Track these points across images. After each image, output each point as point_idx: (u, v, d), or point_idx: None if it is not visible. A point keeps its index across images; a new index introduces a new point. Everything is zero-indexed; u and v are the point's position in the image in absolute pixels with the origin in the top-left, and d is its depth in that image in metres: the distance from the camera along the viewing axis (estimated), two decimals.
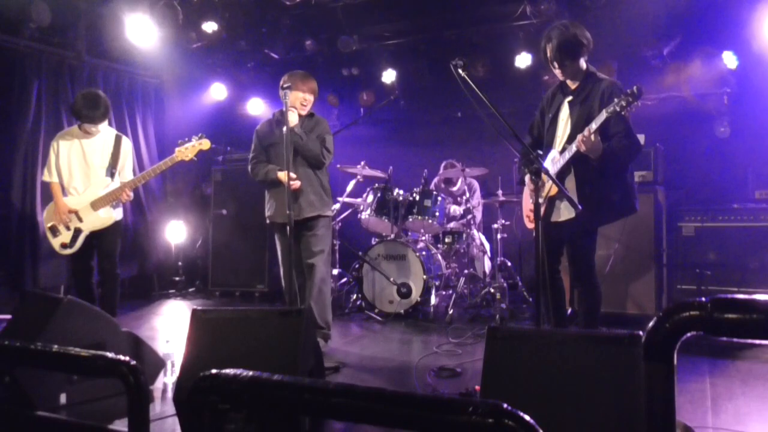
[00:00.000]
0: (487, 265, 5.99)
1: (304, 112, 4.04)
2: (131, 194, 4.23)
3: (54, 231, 4.18)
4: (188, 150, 4.24)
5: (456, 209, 6.02)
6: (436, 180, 6.32)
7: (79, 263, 4.27)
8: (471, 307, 5.38)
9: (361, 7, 6.11)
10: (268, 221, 4.14)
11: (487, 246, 6.10)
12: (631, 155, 3.19)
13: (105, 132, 4.31)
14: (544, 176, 2.85)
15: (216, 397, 1.05)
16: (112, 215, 4.24)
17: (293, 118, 3.87)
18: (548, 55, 3.27)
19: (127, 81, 6.61)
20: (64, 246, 4.16)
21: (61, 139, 4.24)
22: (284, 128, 3.69)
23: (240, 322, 2.47)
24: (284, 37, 6.70)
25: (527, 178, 3.39)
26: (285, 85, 3.77)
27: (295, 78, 3.95)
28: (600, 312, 3.34)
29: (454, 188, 6.32)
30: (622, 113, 2.90)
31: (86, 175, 4.21)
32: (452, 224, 5.88)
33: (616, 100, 2.92)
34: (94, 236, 4.21)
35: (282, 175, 3.88)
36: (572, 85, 3.34)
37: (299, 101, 3.98)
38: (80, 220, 4.16)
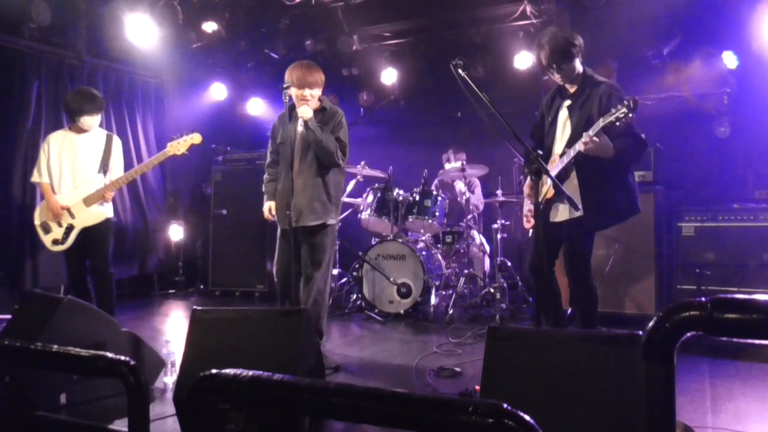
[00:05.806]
0: (487, 265, 5.99)
1: (312, 107, 3.68)
2: (113, 194, 4.26)
3: (45, 228, 4.19)
4: (180, 144, 4.26)
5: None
6: (437, 180, 6.32)
7: (74, 263, 4.28)
8: (471, 307, 5.38)
9: (361, 7, 6.11)
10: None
11: (487, 247, 6.09)
12: (639, 151, 3.21)
13: (96, 131, 4.36)
14: (543, 177, 2.86)
15: (216, 397, 1.05)
16: (103, 212, 4.26)
17: (305, 112, 3.54)
18: (543, 62, 3.31)
19: (127, 81, 6.61)
20: (56, 242, 4.18)
21: (51, 140, 4.28)
22: (296, 124, 3.54)
23: (240, 322, 2.47)
24: (284, 37, 6.70)
25: (527, 178, 3.41)
26: (284, 86, 3.55)
27: (291, 74, 3.63)
28: (597, 313, 3.35)
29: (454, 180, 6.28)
30: (617, 124, 2.93)
31: (77, 173, 4.23)
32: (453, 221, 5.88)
33: (612, 110, 2.94)
34: (87, 235, 4.21)
35: (266, 212, 3.82)
36: (570, 88, 3.36)
37: (299, 99, 3.63)
38: (72, 216, 4.17)
